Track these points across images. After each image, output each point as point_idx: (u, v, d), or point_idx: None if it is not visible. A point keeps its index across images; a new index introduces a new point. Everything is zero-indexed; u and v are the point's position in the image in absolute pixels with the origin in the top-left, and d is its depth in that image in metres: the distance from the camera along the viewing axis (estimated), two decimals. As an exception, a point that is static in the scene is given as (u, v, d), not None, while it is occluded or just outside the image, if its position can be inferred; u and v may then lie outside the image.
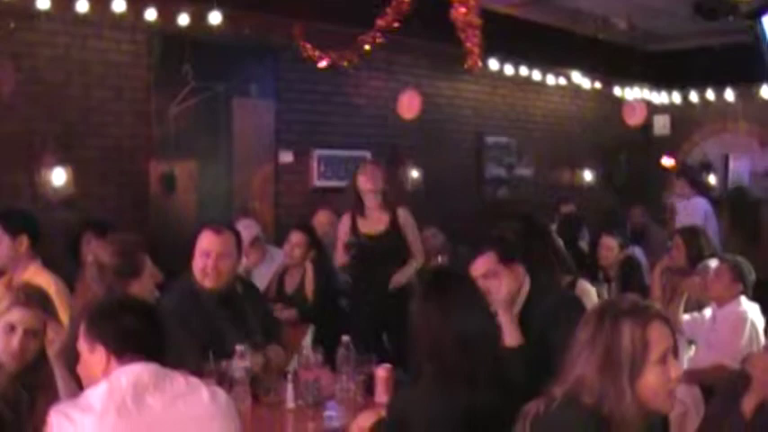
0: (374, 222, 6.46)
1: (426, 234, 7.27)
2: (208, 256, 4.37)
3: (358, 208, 6.49)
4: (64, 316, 3.88)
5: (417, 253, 6.51)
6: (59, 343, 3.35)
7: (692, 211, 9.56)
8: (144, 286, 4.04)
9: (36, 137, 6.82)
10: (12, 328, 3.34)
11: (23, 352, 3.33)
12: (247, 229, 6.60)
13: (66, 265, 5.46)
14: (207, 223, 4.59)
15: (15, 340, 3.32)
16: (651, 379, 2.47)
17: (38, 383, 3.34)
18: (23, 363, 3.35)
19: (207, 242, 4.40)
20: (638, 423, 2.47)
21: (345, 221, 6.58)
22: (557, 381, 2.57)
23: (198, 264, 4.39)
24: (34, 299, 3.46)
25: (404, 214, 6.48)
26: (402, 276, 6.40)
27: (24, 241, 4.76)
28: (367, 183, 6.41)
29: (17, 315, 3.36)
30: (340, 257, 6.60)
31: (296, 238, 6.50)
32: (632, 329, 2.47)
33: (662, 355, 2.48)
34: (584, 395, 2.47)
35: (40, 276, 4.63)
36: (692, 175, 10.34)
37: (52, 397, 3.23)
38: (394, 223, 6.43)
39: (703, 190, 10.36)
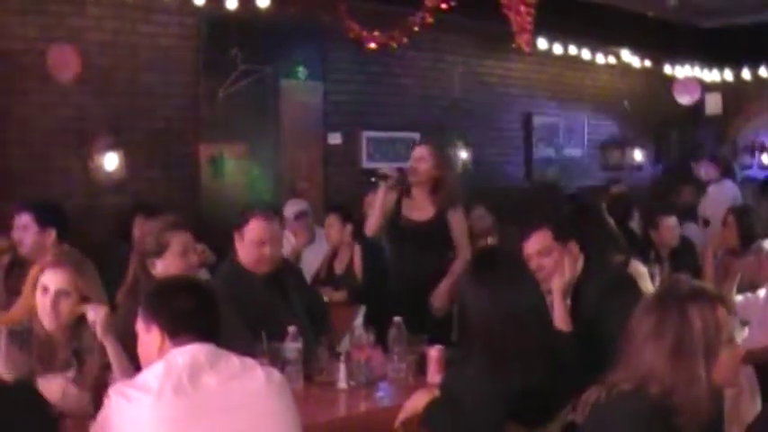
0: (421, 207, 5.76)
1: (474, 215, 7.22)
2: (264, 244, 4.34)
3: (407, 188, 5.75)
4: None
5: (462, 252, 5.69)
6: (102, 320, 3.38)
7: (720, 194, 9.37)
8: (167, 266, 3.93)
9: (87, 122, 6.89)
10: (45, 289, 3.44)
11: (57, 312, 3.42)
12: (294, 205, 6.61)
13: (117, 248, 5.50)
14: (254, 210, 4.50)
15: (48, 300, 3.42)
16: (725, 359, 2.44)
17: (82, 346, 3.43)
18: (60, 323, 3.43)
19: (262, 231, 4.34)
20: (708, 407, 2.43)
21: (390, 198, 5.76)
22: (617, 368, 2.52)
23: (252, 253, 4.34)
24: (66, 260, 3.53)
25: (456, 216, 5.75)
26: (443, 292, 5.57)
27: (52, 234, 4.82)
28: (414, 172, 5.71)
29: (49, 275, 3.46)
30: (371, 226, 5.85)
31: (328, 220, 6.59)
32: (703, 313, 2.43)
33: (730, 335, 2.46)
34: (653, 385, 2.43)
35: None
36: (718, 158, 10.13)
37: (98, 360, 3.36)
38: (442, 213, 5.70)
39: (730, 173, 10.13)
